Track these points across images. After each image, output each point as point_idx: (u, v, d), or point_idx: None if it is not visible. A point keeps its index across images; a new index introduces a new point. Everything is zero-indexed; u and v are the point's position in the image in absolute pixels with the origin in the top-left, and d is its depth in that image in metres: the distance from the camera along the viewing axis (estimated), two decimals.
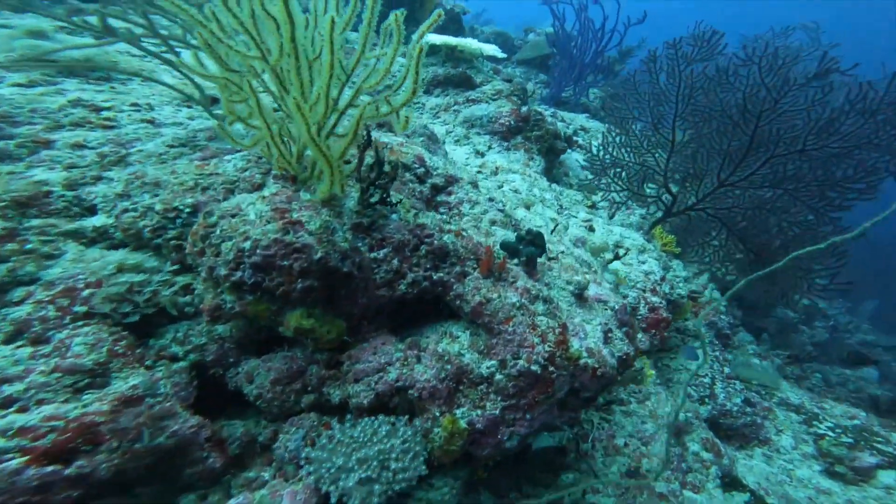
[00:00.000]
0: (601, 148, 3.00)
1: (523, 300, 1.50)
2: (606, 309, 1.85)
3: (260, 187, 1.61)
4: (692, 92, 2.51)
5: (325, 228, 1.34)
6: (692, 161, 2.63)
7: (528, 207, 2.75)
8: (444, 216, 1.93)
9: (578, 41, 5.93)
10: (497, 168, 3.02)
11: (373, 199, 1.51)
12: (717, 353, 3.19)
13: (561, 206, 3.02)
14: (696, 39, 2.53)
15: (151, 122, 1.94)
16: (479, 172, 2.96)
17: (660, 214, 3.05)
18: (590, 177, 3.93)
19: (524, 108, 3.43)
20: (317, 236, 1.30)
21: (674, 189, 2.87)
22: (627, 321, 1.94)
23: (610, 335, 1.75)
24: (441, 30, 4.64)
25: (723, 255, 2.82)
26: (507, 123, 3.33)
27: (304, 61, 1.32)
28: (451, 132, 3.30)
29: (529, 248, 1.73)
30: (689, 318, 3.02)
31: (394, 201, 1.59)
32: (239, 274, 1.24)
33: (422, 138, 2.40)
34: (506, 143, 3.32)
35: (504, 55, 3.80)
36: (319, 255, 1.28)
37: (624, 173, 2.91)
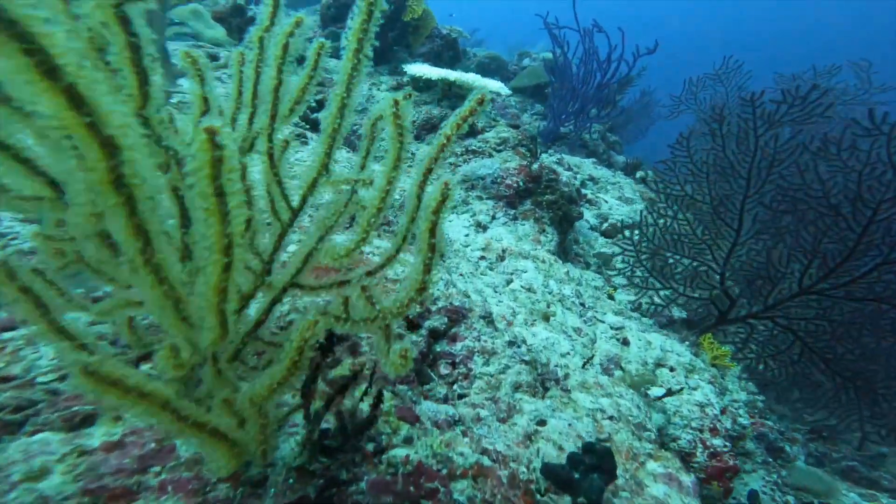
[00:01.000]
0: (640, 231, 2.33)
1: None
2: None
3: None
4: (773, 166, 1.88)
5: None
6: (765, 258, 2.00)
7: (547, 319, 2.06)
8: (448, 393, 1.20)
9: (581, 71, 5.33)
10: (504, 251, 2.32)
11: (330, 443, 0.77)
12: (776, 477, 2.57)
13: (583, 305, 2.35)
14: (785, 95, 1.89)
15: None
16: (482, 258, 2.25)
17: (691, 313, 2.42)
18: (603, 247, 3.27)
19: (535, 166, 2.74)
20: None
21: (726, 285, 2.24)
22: None
23: None
24: (436, 58, 3.94)
25: (793, 376, 2.19)
26: (515, 185, 2.63)
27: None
28: None
29: (592, 481, 1.01)
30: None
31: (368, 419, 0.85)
32: None
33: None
34: (512, 211, 2.62)
35: (509, 91, 3.12)
36: None
37: (667, 267, 2.25)
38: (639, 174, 4.24)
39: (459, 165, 2.77)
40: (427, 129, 2.88)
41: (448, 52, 4.05)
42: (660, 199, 2.21)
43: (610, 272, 3.10)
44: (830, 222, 1.83)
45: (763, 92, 1.89)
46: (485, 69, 6.49)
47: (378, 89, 3.07)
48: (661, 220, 2.22)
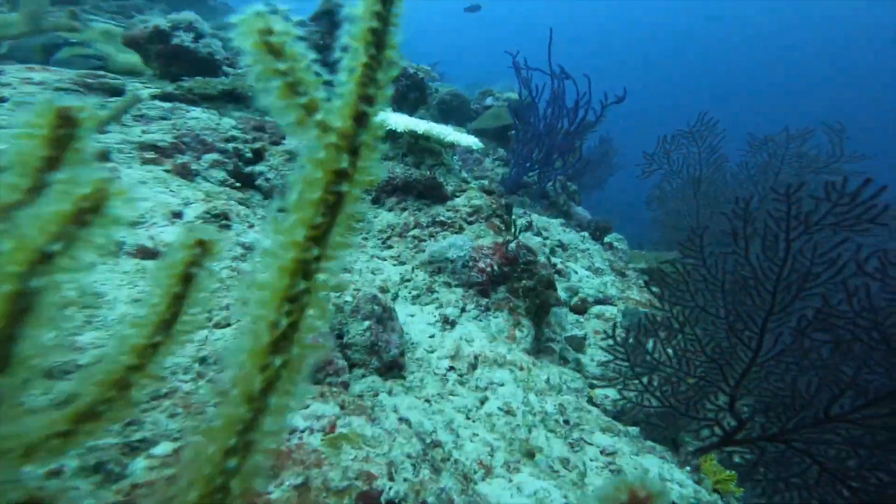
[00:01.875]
0: (634, 339, 1.99)
1: None
2: None
3: None
4: (807, 281, 1.60)
5: None
6: (788, 385, 1.72)
7: (532, 456, 1.67)
8: None
9: (548, 115, 5.12)
10: (476, 357, 1.91)
11: None
12: None
13: (567, 423, 1.98)
14: (828, 191, 1.60)
15: None
16: (451, 369, 1.83)
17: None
18: (574, 327, 2.95)
19: (511, 245, 2.38)
20: None
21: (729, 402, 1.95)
22: None
23: None
24: (400, 98, 3.55)
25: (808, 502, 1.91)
26: (489, 269, 2.25)
27: None
28: (408, 280, 2.14)
29: None
30: None
31: None
32: None
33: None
34: (485, 301, 2.22)
35: (481, 146, 2.77)
36: None
37: (668, 385, 1.93)
38: (608, 238, 4.03)
39: (425, 241, 2.35)
40: (388, 190, 2.45)
41: (413, 94, 3.67)
42: (664, 308, 1.90)
43: (582, 358, 2.77)
44: (881, 357, 1.57)
45: (802, 185, 1.61)
46: (447, 107, 6.19)
47: None
48: (663, 333, 1.90)
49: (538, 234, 3.54)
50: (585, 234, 4.02)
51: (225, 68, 2.80)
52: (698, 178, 3.92)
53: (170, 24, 2.49)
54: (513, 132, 5.76)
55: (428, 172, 2.57)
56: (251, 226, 1.70)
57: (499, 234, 2.49)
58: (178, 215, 1.46)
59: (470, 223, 2.47)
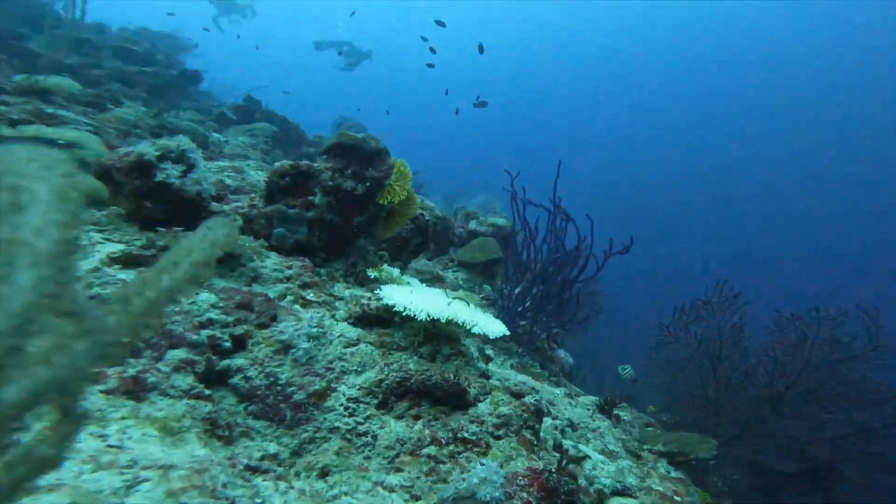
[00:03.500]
0: None
1: None
2: None
3: None
4: None
5: None
6: None
7: None
8: None
9: (542, 257, 4.89)
10: None
11: None
12: None
13: None
14: None
15: None
16: None
17: None
18: None
19: (552, 474, 1.87)
20: None
21: None
22: None
23: None
24: (402, 245, 3.17)
25: None
26: None
27: None
28: None
29: None
30: None
31: None
32: None
33: None
34: None
35: (508, 333, 2.35)
36: None
37: None
38: (616, 412, 3.61)
39: (444, 462, 1.81)
40: (399, 394, 1.93)
41: (416, 239, 3.32)
42: None
43: None
44: None
45: None
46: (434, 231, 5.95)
47: (334, 315, 2.13)
48: None
49: (548, 413, 3.07)
50: (590, 405, 3.59)
51: (213, 205, 2.35)
52: (718, 356, 3.68)
53: (157, 154, 2.05)
54: (501, 271, 5.52)
55: (443, 364, 2.11)
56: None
57: (532, 452, 1.99)
58: None
59: (498, 438, 1.97)
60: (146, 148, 2.06)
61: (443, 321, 2.02)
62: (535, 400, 2.13)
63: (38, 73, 4.65)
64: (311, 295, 2.19)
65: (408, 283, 2.53)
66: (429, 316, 1.99)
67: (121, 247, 1.77)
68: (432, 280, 4.77)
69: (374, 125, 10.02)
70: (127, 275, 1.61)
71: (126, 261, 1.69)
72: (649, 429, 3.71)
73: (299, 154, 8.07)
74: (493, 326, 2.15)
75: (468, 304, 2.44)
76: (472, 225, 6.98)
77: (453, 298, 2.50)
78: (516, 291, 4.86)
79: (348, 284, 2.48)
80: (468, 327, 2.04)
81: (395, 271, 2.60)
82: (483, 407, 2.02)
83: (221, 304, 1.80)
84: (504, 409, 2.03)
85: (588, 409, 3.47)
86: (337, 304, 2.27)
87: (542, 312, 4.59)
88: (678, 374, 4.08)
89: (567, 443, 3.04)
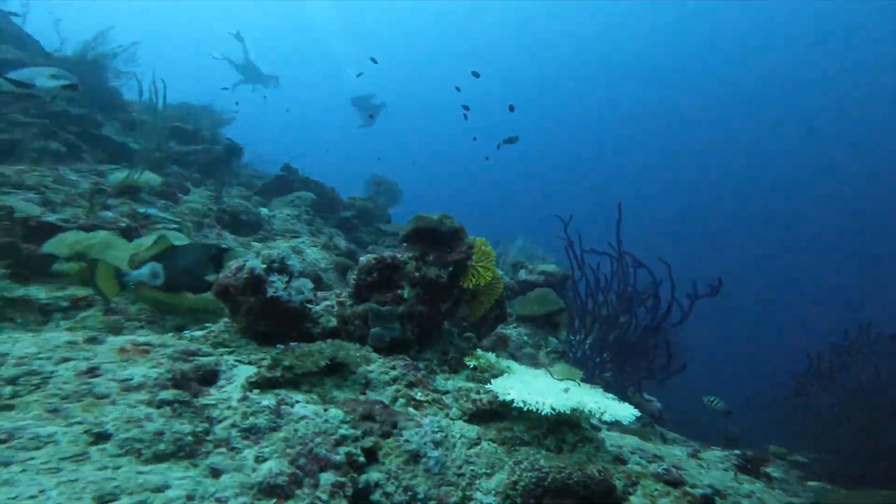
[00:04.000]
0: None
1: None
2: None
3: None
4: None
5: None
6: None
7: None
8: None
9: (611, 306, 4.74)
10: None
11: None
12: None
13: None
14: None
15: None
16: None
17: None
18: None
19: None
20: None
21: None
22: None
23: None
24: (477, 325, 3.11)
25: None
26: None
27: None
28: None
29: None
30: None
31: None
32: None
33: None
34: None
35: (638, 414, 2.22)
36: None
37: None
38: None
39: None
40: (538, 495, 1.83)
41: (495, 311, 3.27)
42: None
43: None
44: None
45: None
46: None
47: (448, 414, 2.09)
48: None
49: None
50: (721, 462, 3.25)
51: (314, 309, 2.37)
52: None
53: (265, 266, 2.09)
54: (566, 326, 5.38)
55: (570, 454, 2.00)
56: None
57: None
58: None
59: None
60: (255, 262, 2.11)
61: (568, 412, 1.93)
62: (704, 493, 1.97)
63: (111, 163, 4.95)
64: (420, 394, 2.15)
65: (508, 367, 2.46)
66: (553, 410, 1.91)
67: (252, 369, 1.79)
68: (496, 340, 4.68)
69: (397, 174, 10.20)
70: (268, 399, 1.62)
71: (262, 384, 1.70)
72: (813, 483, 3.35)
73: (338, 220, 8.24)
74: (623, 410, 2.04)
75: (578, 383, 2.35)
76: (522, 275, 6.89)
77: (560, 379, 2.41)
78: (587, 342, 4.72)
79: (446, 375, 2.44)
80: (597, 416, 1.94)
81: (492, 356, 2.54)
82: (637, 502, 1.89)
83: (349, 419, 1.78)
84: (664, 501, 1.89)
85: (724, 469, 3.15)
86: (444, 398, 2.22)
87: (625, 363, 4.41)
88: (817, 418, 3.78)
89: None
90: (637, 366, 4.32)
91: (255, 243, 5.20)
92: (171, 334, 2.27)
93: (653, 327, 4.28)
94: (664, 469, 2.47)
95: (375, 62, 10.93)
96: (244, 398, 1.62)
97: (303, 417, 1.68)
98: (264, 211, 6.87)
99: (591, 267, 5.05)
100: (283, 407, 1.68)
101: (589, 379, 4.58)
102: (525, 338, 5.16)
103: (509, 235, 9.85)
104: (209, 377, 1.72)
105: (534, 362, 4.77)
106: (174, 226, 3.45)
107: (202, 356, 1.80)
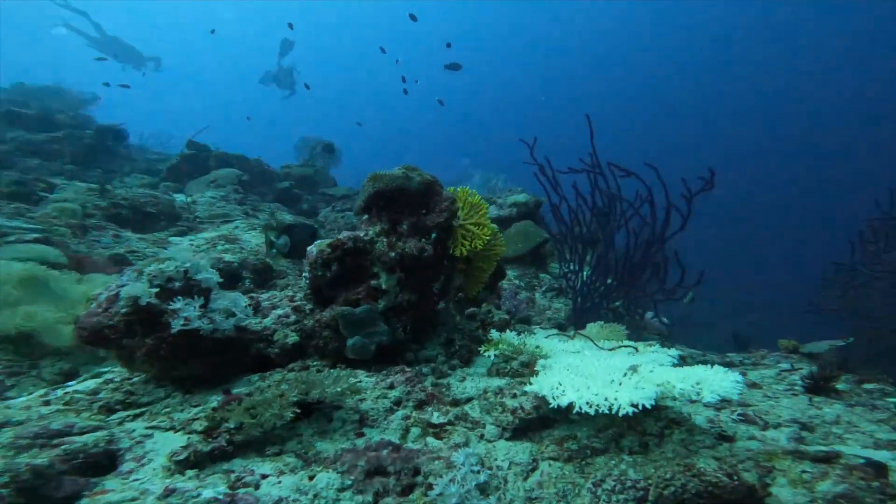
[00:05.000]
0: None
1: None
2: None
3: None
4: None
5: None
6: None
7: None
8: None
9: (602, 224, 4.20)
10: None
11: None
12: None
13: None
14: None
15: None
16: None
17: None
18: None
19: None
20: None
21: None
22: None
23: None
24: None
25: None
26: None
27: None
28: None
29: None
30: None
31: None
32: None
33: None
34: None
35: (742, 380, 1.66)
36: None
37: None
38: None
39: None
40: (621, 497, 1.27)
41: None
42: None
43: None
44: None
45: None
46: None
47: (482, 435, 1.46)
48: None
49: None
50: (781, 380, 2.76)
51: (263, 324, 1.63)
52: None
53: (156, 290, 1.32)
54: (554, 254, 4.83)
55: (660, 447, 1.45)
56: None
57: None
58: None
59: None
60: (136, 288, 1.32)
61: (650, 406, 1.34)
62: (864, 460, 1.44)
63: None
64: (437, 416, 1.51)
65: (537, 348, 1.84)
66: (634, 407, 1.31)
67: (178, 439, 1.08)
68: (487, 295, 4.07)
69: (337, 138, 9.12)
70: (212, 486, 0.94)
71: (198, 461, 1.00)
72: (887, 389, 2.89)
73: (276, 193, 7.20)
74: (724, 381, 1.44)
75: (634, 348, 1.76)
76: (493, 211, 6.23)
77: (610, 349, 1.81)
78: (586, 273, 4.22)
79: (461, 373, 1.81)
80: (693, 398, 1.36)
81: (512, 336, 1.91)
82: (788, 495, 1.34)
83: (349, 483, 1.12)
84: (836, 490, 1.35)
85: (792, 394, 2.64)
86: (469, 410, 1.59)
87: (635, 287, 3.93)
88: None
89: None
90: (648, 286, 3.85)
91: (175, 238, 4.24)
92: (42, 391, 1.50)
93: (656, 239, 3.77)
94: (740, 415, 1.98)
95: (291, 27, 10.53)
96: (170, 491, 0.92)
97: (278, 502, 1.01)
98: (180, 198, 5.77)
99: (572, 187, 4.45)
100: (240, 492, 0.99)
101: (597, 312, 4.13)
102: (517, 281, 4.60)
103: (464, 176, 9.10)
104: (101, 462, 1.00)
105: (533, 307, 4.22)
106: (34, 235, 2.51)
107: (77, 434, 1.06)
